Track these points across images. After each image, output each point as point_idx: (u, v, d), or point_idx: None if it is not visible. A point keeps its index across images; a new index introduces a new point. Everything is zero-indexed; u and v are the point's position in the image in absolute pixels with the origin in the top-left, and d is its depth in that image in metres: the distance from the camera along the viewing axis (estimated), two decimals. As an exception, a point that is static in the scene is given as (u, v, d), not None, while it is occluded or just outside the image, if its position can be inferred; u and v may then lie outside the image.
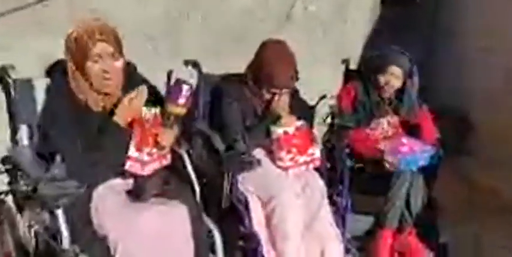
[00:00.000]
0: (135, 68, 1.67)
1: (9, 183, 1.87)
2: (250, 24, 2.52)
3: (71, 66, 1.57)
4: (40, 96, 1.68)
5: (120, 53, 1.59)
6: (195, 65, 2.14)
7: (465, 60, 2.87)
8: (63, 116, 1.54)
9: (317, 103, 2.37)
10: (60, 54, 1.74)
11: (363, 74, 2.53)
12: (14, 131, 1.74)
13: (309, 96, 2.26)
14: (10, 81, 1.67)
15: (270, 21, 2.60)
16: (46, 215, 1.52)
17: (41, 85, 1.69)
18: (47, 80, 1.70)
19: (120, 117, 1.56)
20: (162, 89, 1.96)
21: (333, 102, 2.55)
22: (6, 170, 1.78)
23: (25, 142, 1.68)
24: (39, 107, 1.67)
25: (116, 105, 1.60)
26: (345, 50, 2.86)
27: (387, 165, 2.21)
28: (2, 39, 1.83)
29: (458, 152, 2.38)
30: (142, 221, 1.47)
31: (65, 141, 1.51)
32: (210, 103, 2.15)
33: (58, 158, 1.39)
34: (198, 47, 2.35)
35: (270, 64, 1.93)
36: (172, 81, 2.17)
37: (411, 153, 2.23)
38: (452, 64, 2.91)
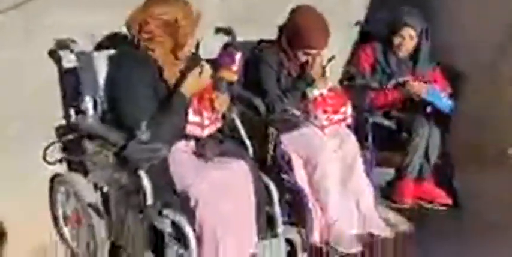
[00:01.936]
0: None
1: (64, 150, 2.00)
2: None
3: (166, 47, 1.68)
4: (100, 68, 1.77)
5: None
6: (228, 32, 2.24)
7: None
8: (139, 86, 1.63)
9: (326, 64, 2.51)
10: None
11: (379, 35, 2.65)
12: (75, 102, 1.85)
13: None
14: (72, 54, 1.76)
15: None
16: (123, 176, 1.66)
17: (100, 57, 1.78)
18: (107, 53, 1.79)
19: (188, 90, 1.67)
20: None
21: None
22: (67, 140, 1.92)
23: (91, 112, 1.79)
24: (100, 78, 1.77)
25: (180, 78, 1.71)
26: (347, 11, 2.92)
27: (414, 89, 2.40)
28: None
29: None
30: (216, 177, 1.64)
31: (137, 108, 1.62)
32: (244, 68, 2.27)
33: (144, 124, 1.52)
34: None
35: (306, 26, 2.05)
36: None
37: (435, 88, 2.43)
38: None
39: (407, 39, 2.48)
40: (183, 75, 1.69)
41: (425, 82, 2.60)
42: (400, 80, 2.57)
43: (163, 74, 1.69)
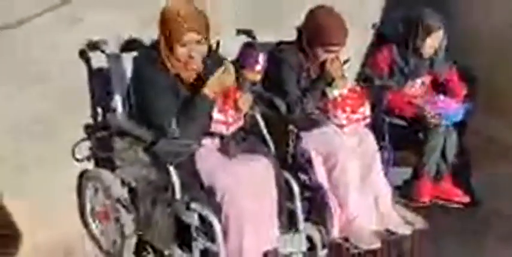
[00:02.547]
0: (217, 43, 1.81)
1: (92, 148, 2.08)
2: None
3: (162, 43, 1.72)
4: (128, 68, 1.85)
5: (206, 38, 1.74)
6: (249, 33, 2.30)
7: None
8: (159, 87, 1.70)
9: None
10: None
11: (395, 36, 2.67)
12: (104, 101, 1.93)
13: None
14: (103, 55, 1.84)
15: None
16: (151, 171, 1.72)
17: (127, 58, 1.86)
18: (133, 54, 1.86)
19: (210, 90, 1.71)
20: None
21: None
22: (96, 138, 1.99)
23: (120, 110, 1.86)
24: (127, 78, 1.85)
25: (200, 77, 1.76)
26: (362, 13, 2.94)
27: (430, 119, 2.42)
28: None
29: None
30: (241, 172, 1.70)
31: (164, 107, 1.68)
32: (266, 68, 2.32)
33: (174, 121, 1.59)
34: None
35: (326, 24, 2.11)
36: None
37: (450, 108, 2.46)
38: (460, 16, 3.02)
39: (438, 40, 2.51)
40: (205, 74, 1.73)
41: (441, 84, 2.65)
42: (417, 80, 2.62)
43: (170, 71, 1.73)
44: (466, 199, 2.49)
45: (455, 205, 2.50)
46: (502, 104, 2.79)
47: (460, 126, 2.55)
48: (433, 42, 2.51)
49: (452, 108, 2.49)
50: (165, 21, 1.70)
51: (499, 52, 2.88)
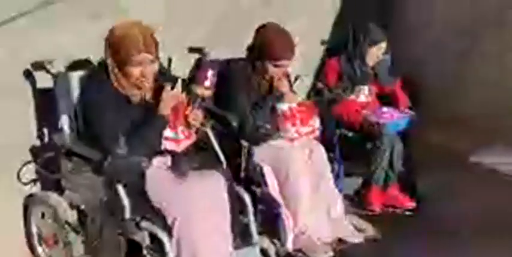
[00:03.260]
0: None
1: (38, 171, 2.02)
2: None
3: (112, 64, 1.72)
4: (75, 88, 1.83)
5: (157, 56, 1.76)
6: (200, 51, 2.33)
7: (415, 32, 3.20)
8: (107, 107, 1.70)
9: (294, 82, 2.62)
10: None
11: (343, 49, 2.78)
12: (49, 122, 1.88)
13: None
14: (48, 75, 1.80)
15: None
16: (100, 191, 1.69)
17: (74, 77, 1.84)
18: (80, 73, 1.84)
19: (165, 109, 1.74)
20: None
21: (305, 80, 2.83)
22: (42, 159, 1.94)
23: (67, 129, 1.83)
24: (74, 98, 1.82)
25: (153, 96, 1.77)
26: (312, 30, 3.05)
27: (375, 129, 2.54)
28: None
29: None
30: (191, 192, 1.70)
31: (109, 128, 1.67)
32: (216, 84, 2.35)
33: (122, 139, 1.57)
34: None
35: (274, 39, 2.17)
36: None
37: (392, 119, 2.60)
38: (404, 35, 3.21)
39: (381, 50, 2.65)
40: (158, 95, 1.75)
41: (386, 95, 2.78)
42: (363, 87, 2.73)
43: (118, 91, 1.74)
44: (413, 205, 2.60)
45: (404, 212, 2.59)
46: (448, 112, 2.94)
47: (405, 135, 2.68)
48: (377, 52, 2.65)
49: (396, 118, 2.62)
50: (115, 41, 1.70)
51: (443, 63, 3.07)
